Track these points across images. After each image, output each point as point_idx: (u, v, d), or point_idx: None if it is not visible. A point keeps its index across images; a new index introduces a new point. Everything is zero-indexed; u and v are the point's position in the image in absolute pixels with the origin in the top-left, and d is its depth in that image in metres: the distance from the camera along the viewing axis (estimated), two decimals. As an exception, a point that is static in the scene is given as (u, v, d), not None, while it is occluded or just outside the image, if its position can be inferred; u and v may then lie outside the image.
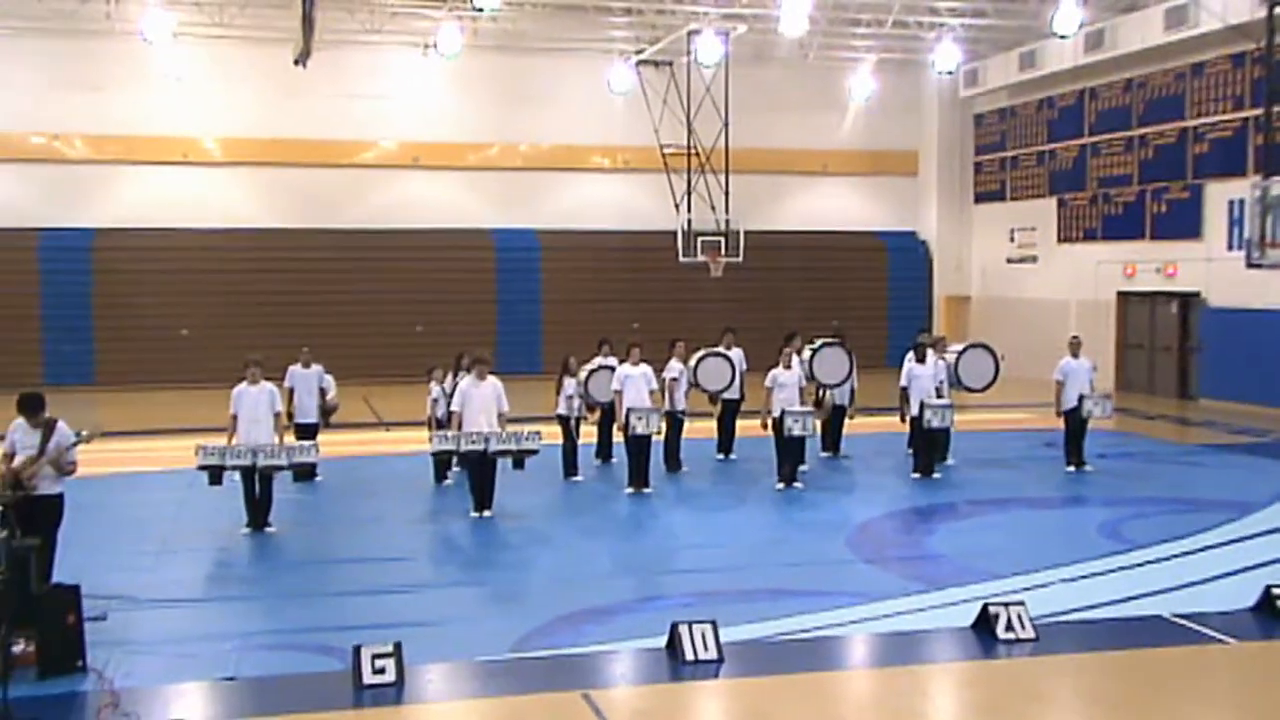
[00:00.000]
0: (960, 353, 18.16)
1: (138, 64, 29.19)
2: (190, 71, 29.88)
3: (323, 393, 17.31)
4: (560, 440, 16.84)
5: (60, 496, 10.16)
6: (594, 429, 17.81)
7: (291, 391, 16.73)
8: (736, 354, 18.32)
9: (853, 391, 18.59)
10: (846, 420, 18.75)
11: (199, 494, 14.30)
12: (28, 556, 8.96)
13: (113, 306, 29.70)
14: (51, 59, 29.01)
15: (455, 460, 15.51)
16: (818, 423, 16.82)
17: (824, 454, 18.58)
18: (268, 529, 13.57)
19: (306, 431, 16.53)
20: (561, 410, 17.02)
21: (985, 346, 18.45)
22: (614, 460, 17.70)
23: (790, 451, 16.19)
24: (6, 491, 9.68)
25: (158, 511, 14.70)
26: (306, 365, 17.01)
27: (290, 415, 16.40)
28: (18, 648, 8.59)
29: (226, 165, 30.76)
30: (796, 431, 15.99)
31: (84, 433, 10.25)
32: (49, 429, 10.04)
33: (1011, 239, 32.84)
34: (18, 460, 9.94)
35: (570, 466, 16.91)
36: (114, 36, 28.27)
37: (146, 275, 29.80)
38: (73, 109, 29.32)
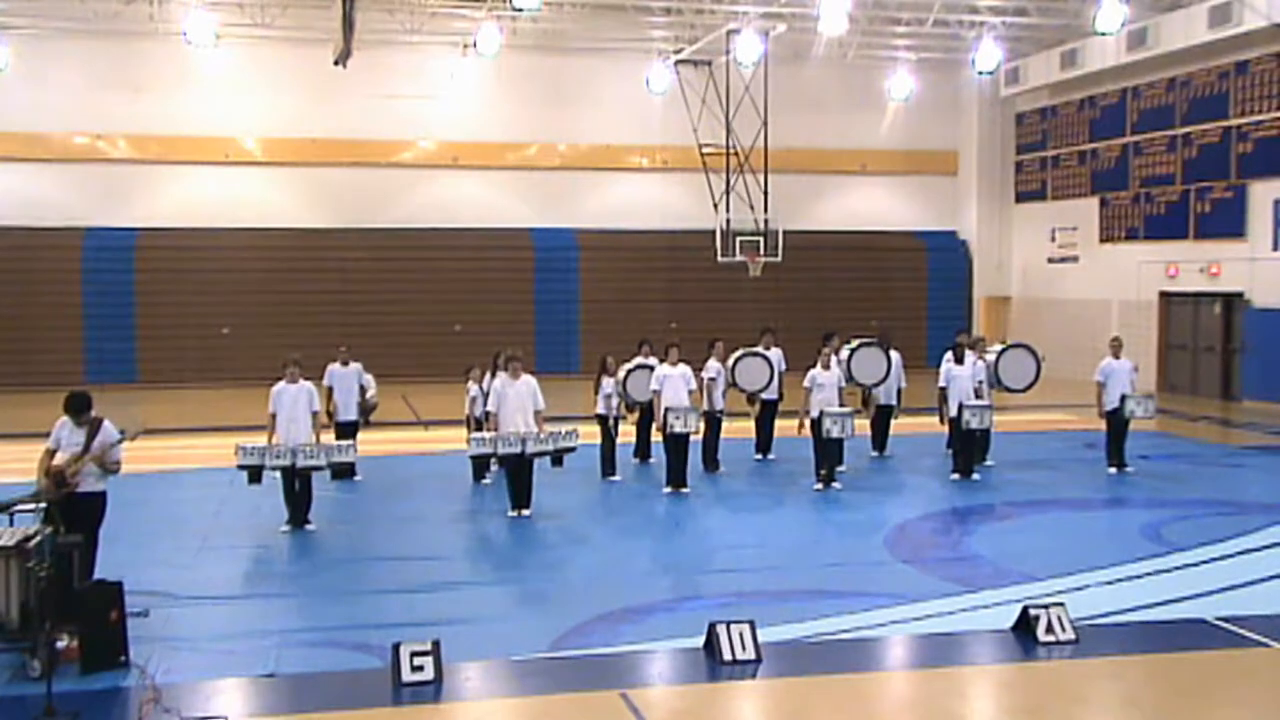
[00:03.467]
0: (1000, 353, 18.04)
1: (180, 65, 29.47)
2: (232, 72, 30.15)
3: (363, 390, 17.41)
4: (599, 440, 16.86)
5: (103, 494, 10.26)
6: (632, 429, 17.82)
7: (331, 390, 16.84)
8: (775, 354, 18.27)
9: (900, 391, 18.57)
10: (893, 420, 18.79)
11: (239, 491, 14.42)
12: (71, 553, 9.07)
13: (155, 305, 30.00)
14: (95, 60, 29.33)
15: (495, 460, 15.56)
16: (857, 423, 16.72)
17: (873, 453, 18.55)
18: (308, 527, 13.65)
19: (347, 429, 16.64)
20: (600, 410, 17.04)
21: (1026, 347, 18.32)
22: (652, 460, 17.72)
23: (829, 452, 16.14)
24: (51, 489, 9.79)
25: (199, 509, 14.83)
26: (345, 364, 17.12)
27: (330, 414, 16.51)
28: (61, 643, 8.70)
29: (267, 165, 30.98)
30: (835, 433, 15.93)
31: (126, 431, 10.34)
32: (94, 427, 10.14)
33: (1052, 239, 32.60)
34: (62, 458, 10.04)
35: (608, 466, 16.92)
36: (156, 37, 28.58)
37: (188, 274, 30.07)
38: (116, 109, 29.63)
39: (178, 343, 29.93)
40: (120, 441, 10.23)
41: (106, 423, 10.25)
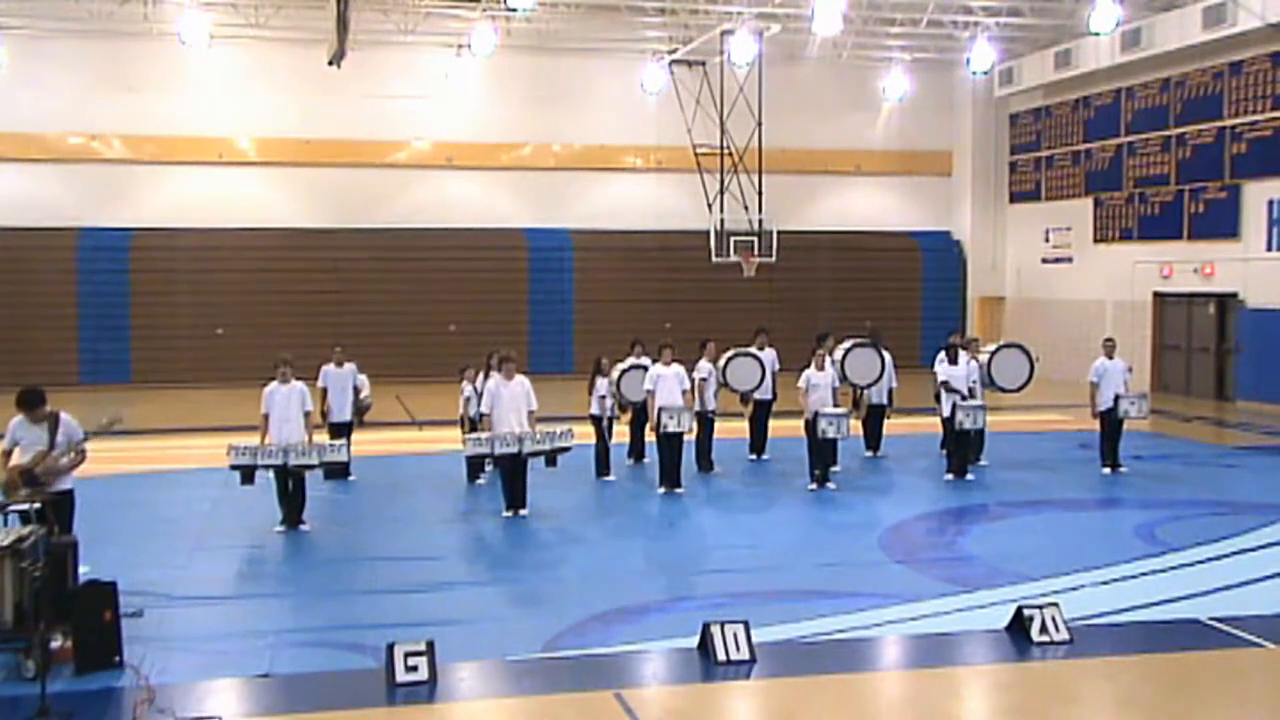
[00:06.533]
0: (993, 353, 18.06)
1: (174, 65, 29.41)
2: (226, 73, 30.14)
3: (356, 391, 17.39)
4: (593, 440, 16.86)
5: (70, 492, 10.20)
6: (626, 429, 17.81)
7: (325, 390, 16.83)
8: (768, 354, 18.29)
9: (891, 392, 18.58)
10: (885, 420, 18.80)
11: (233, 492, 14.38)
12: (65, 553, 9.05)
13: (149, 305, 29.97)
14: (89, 60, 29.28)
15: (489, 461, 15.53)
16: (853, 424, 16.71)
17: (867, 453, 18.56)
18: (302, 527, 13.64)
19: (340, 430, 16.62)
20: (594, 410, 17.03)
21: (1019, 346, 18.34)
22: (646, 460, 17.70)
23: (823, 453, 16.13)
24: (23, 489, 9.72)
25: (192, 509, 14.81)
26: (340, 364, 17.10)
27: (324, 414, 16.50)
28: (55, 643, 8.69)
29: (262, 165, 30.95)
30: (830, 433, 15.92)
31: (104, 421, 10.22)
32: (53, 423, 10.03)
33: (1046, 239, 32.63)
34: (26, 456, 9.94)
35: (602, 466, 16.92)
36: (151, 38, 28.52)
37: (182, 275, 30.03)
38: (110, 110, 29.60)
39: (172, 343, 29.90)
40: (86, 439, 10.15)
41: (64, 415, 10.11)
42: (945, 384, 16.87)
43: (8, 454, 10.07)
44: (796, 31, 28.35)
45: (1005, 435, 19.62)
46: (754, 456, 18.49)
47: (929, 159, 34.68)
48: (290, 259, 30.62)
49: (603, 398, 16.98)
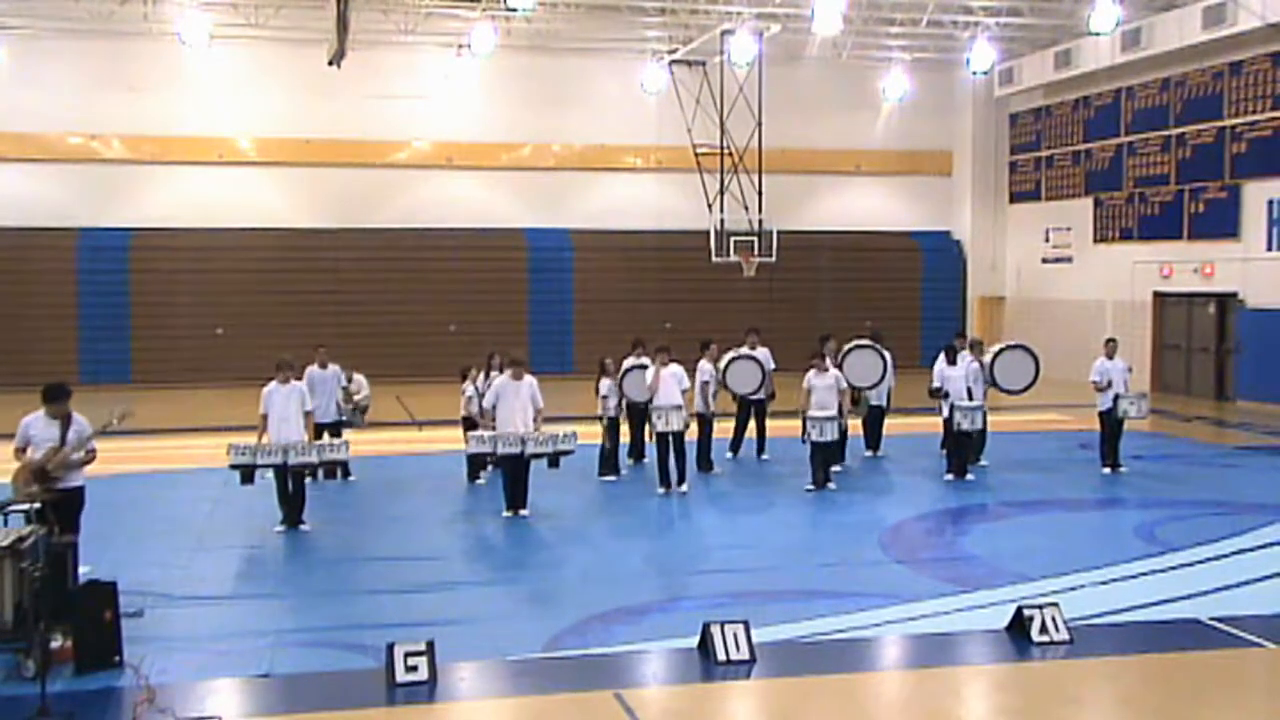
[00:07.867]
0: (996, 354, 18.04)
1: (174, 65, 29.41)
2: (226, 73, 30.13)
3: (345, 391, 17.30)
4: (599, 440, 16.84)
5: (82, 489, 10.30)
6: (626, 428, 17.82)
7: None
8: (762, 353, 18.31)
9: (890, 392, 18.55)
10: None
11: (233, 492, 14.39)
12: (65, 553, 9.06)
13: (149, 305, 29.96)
14: (89, 60, 29.28)
15: (491, 461, 15.51)
16: (853, 422, 16.65)
17: (867, 454, 18.54)
18: (302, 527, 13.64)
19: (327, 431, 16.48)
20: (599, 410, 17.03)
21: (1024, 348, 18.29)
22: (647, 460, 17.69)
23: (818, 458, 16.04)
24: (33, 487, 9.76)
25: (193, 509, 14.81)
26: (324, 366, 16.93)
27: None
28: (55, 643, 8.68)
29: (261, 165, 30.94)
30: (815, 436, 15.83)
31: (114, 414, 10.32)
32: (66, 420, 10.15)
33: (1047, 239, 32.63)
34: (38, 453, 10.00)
35: (605, 466, 16.92)
36: (150, 38, 28.51)
37: (182, 275, 30.02)
38: (110, 110, 29.58)
39: (172, 343, 29.89)
40: (93, 435, 10.23)
41: (76, 414, 10.26)
42: (938, 389, 16.86)
43: (21, 451, 10.14)
44: (796, 31, 28.34)
45: (1006, 435, 19.60)
46: (745, 455, 18.46)
47: (929, 159, 34.68)
48: (290, 259, 30.60)
49: (605, 398, 17.00)
